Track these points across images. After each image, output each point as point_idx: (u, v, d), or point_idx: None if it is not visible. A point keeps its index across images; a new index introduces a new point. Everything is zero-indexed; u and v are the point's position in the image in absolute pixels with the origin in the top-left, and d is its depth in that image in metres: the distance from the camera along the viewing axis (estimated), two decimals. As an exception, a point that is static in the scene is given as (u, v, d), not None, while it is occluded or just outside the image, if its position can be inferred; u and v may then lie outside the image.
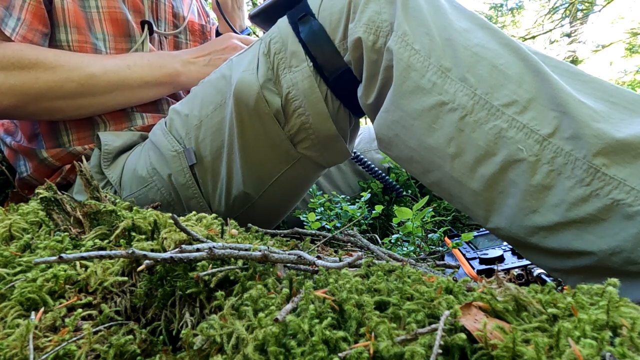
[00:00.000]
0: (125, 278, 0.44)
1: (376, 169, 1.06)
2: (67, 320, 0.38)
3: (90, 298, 0.42)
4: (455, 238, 0.89)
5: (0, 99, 0.82)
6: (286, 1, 0.72)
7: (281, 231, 0.75)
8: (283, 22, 0.72)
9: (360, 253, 0.47)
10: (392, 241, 0.81)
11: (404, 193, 1.07)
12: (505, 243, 0.77)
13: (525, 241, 0.55)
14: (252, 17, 0.79)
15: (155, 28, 1.04)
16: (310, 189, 0.96)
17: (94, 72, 0.88)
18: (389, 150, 0.67)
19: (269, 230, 0.73)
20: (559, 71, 0.55)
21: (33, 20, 0.86)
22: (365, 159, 1.05)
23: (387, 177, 1.07)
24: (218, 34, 1.25)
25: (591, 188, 0.48)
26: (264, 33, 0.77)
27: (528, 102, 0.53)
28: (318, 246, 0.69)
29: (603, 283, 0.36)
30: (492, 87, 0.54)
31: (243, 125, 0.73)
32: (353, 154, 1.03)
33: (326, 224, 0.87)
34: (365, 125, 1.35)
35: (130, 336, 0.37)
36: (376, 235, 0.91)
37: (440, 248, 0.83)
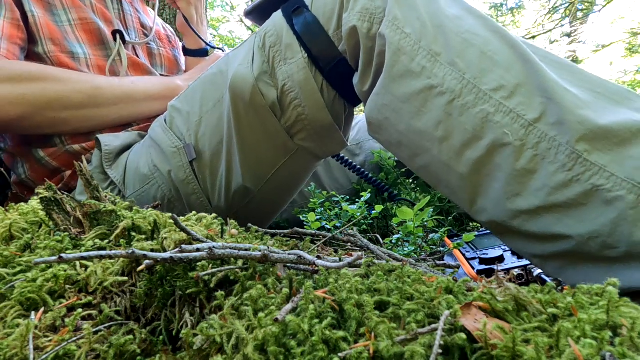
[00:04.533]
0: (125, 278, 0.44)
1: (362, 170, 1.05)
2: (67, 320, 0.38)
3: (90, 298, 0.42)
4: (456, 238, 0.88)
5: (8, 109, 0.83)
6: None
7: (281, 231, 0.75)
8: (277, 16, 0.72)
9: (360, 253, 0.47)
10: (393, 241, 0.81)
11: (396, 194, 1.06)
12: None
13: (506, 225, 0.55)
14: (247, 14, 0.80)
15: (127, 37, 1.07)
16: (309, 188, 0.96)
17: (100, 85, 0.91)
18: (379, 134, 0.68)
19: (269, 230, 0.73)
20: (547, 61, 0.56)
21: (12, 34, 0.89)
22: (352, 162, 1.04)
23: (375, 178, 1.06)
24: (185, 49, 1.31)
25: (573, 173, 0.49)
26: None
27: (515, 88, 0.53)
28: (318, 246, 0.69)
29: (603, 283, 0.36)
30: (481, 71, 0.55)
31: (240, 118, 0.74)
32: (339, 159, 1.03)
33: (326, 224, 0.87)
34: (363, 113, 1.35)
35: (130, 336, 0.37)
36: (377, 235, 0.91)
37: (442, 248, 0.83)
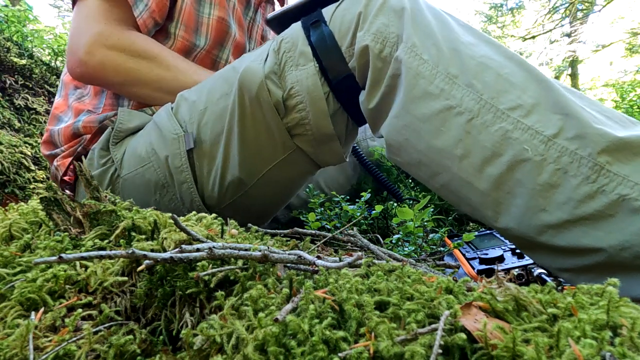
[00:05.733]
0: (125, 278, 0.44)
1: (375, 168, 1.06)
2: (67, 320, 0.38)
3: (90, 298, 0.42)
4: (456, 238, 0.88)
5: (112, 74, 0.93)
6: (302, 9, 0.77)
7: (281, 231, 0.75)
8: (296, 26, 0.76)
9: (360, 253, 0.47)
10: (393, 241, 0.81)
11: (401, 193, 1.06)
12: (506, 243, 0.77)
13: (534, 240, 0.56)
14: (269, 21, 0.84)
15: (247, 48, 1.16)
16: (308, 189, 0.96)
17: (197, 81, 0.96)
18: (398, 156, 0.69)
19: (269, 230, 0.73)
20: (557, 85, 0.58)
21: (155, 9, 0.95)
22: (367, 159, 1.05)
23: (385, 178, 1.07)
24: None
25: (597, 185, 0.50)
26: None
27: (532, 107, 0.55)
28: (318, 246, 0.69)
29: (603, 283, 0.36)
30: (498, 92, 0.57)
31: (244, 110, 0.75)
32: (356, 152, 1.04)
33: (326, 224, 0.87)
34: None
35: (130, 336, 0.37)
36: (377, 235, 0.91)
37: (442, 248, 0.83)
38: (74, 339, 0.36)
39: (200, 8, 1.03)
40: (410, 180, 1.17)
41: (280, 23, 0.82)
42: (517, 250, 0.71)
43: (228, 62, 1.08)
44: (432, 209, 0.81)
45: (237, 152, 0.78)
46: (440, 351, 0.28)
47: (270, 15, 0.83)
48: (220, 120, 0.79)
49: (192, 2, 1.02)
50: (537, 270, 0.65)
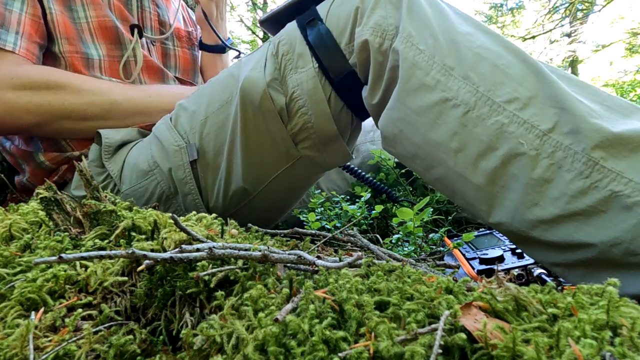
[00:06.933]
0: (125, 278, 0.44)
1: (366, 175, 1.06)
2: (67, 320, 0.38)
3: (90, 298, 0.42)
4: (456, 238, 0.88)
5: (24, 117, 0.86)
6: (295, 8, 0.75)
7: (281, 231, 0.75)
8: (292, 26, 0.74)
9: (360, 253, 0.47)
10: (393, 241, 0.81)
11: (396, 195, 1.06)
12: (506, 243, 0.77)
13: (526, 235, 0.56)
14: (262, 22, 0.82)
15: (143, 33, 1.06)
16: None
17: (117, 99, 0.91)
18: (393, 148, 0.69)
19: (269, 230, 0.73)
20: (556, 75, 0.57)
21: (32, 33, 0.89)
22: (355, 167, 1.04)
23: (376, 182, 1.07)
24: (202, 43, 1.28)
25: (590, 180, 0.50)
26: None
27: (528, 100, 0.55)
28: (318, 246, 0.69)
29: (603, 283, 0.36)
30: (494, 85, 0.56)
31: (247, 121, 0.75)
32: (347, 169, 1.04)
33: (326, 224, 0.87)
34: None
35: (130, 336, 0.37)
36: (377, 235, 0.91)
37: (442, 248, 0.83)
38: (74, 339, 0.36)
39: (73, 14, 0.96)
40: (409, 186, 1.17)
41: (274, 23, 0.80)
42: (517, 251, 0.71)
43: (143, 60, 1.02)
44: (430, 210, 0.81)
45: (240, 163, 0.77)
46: (440, 351, 0.28)
47: (263, 16, 0.81)
48: (223, 130, 0.78)
49: (62, 11, 0.94)
50: (537, 270, 0.65)
